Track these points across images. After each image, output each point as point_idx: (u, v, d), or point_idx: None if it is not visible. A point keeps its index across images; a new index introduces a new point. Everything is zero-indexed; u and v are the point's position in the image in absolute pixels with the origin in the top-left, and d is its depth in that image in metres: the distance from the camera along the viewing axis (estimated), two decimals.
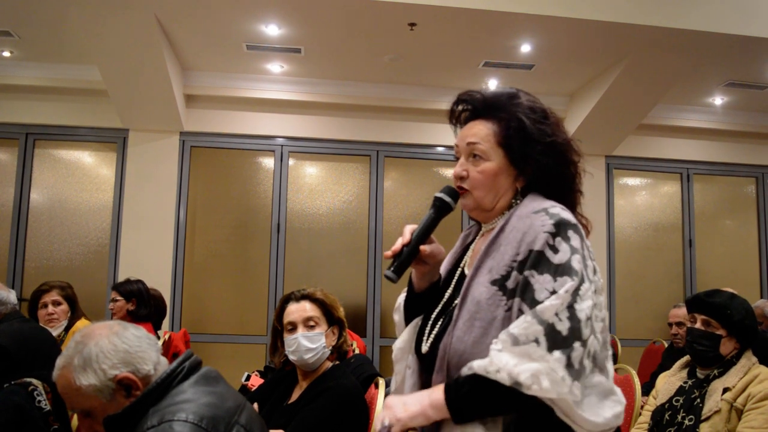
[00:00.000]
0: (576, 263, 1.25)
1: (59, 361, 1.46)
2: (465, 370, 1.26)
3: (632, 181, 6.77)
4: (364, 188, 6.24)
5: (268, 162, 6.16)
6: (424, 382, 1.41)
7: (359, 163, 6.28)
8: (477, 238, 1.53)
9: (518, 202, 1.42)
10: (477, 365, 1.23)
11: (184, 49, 5.33)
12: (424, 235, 1.42)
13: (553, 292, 1.23)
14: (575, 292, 1.23)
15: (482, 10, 4.45)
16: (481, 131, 1.44)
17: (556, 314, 1.20)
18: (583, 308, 1.22)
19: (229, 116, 6.05)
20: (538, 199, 1.39)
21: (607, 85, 5.48)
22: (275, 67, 5.71)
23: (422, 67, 5.59)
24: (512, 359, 1.19)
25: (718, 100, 6.35)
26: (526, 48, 5.10)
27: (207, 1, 4.47)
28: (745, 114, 6.61)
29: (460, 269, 1.50)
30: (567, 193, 1.43)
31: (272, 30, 4.89)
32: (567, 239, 1.28)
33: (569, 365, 1.19)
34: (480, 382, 1.22)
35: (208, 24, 4.84)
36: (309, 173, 6.29)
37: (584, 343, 1.21)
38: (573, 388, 1.19)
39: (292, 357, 2.31)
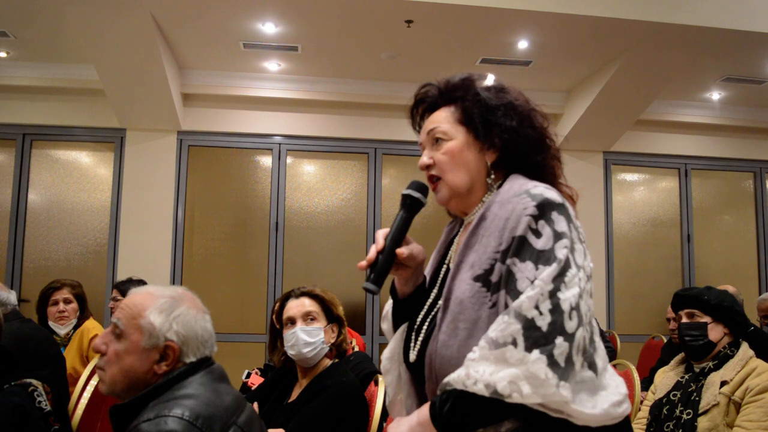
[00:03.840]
0: (560, 249, 1.14)
1: (152, 287, 1.52)
2: (443, 385, 1.17)
3: (630, 176, 6.77)
4: (362, 186, 6.24)
5: (266, 160, 6.16)
6: (418, 392, 1.34)
7: (357, 160, 6.28)
8: (461, 230, 1.42)
9: (492, 177, 1.34)
10: (453, 379, 1.14)
11: (181, 48, 5.32)
12: (398, 237, 1.33)
13: (534, 281, 1.12)
14: (558, 279, 1.11)
15: (479, 6, 4.45)
16: (438, 116, 1.38)
17: (536, 307, 1.10)
18: (567, 297, 1.11)
19: (227, 115, 6.05)
20: (520, 180, 1.29)
21: (604, 81, 5.48)
22: (272, 65, 5.70)
23: (419, 65, 5.58)
24: (489, 367, 1.09)
25: (715, 95, 6.35)
26: (523, 44, 5.10)
27: None
28: (742, 109, 6.62)
29: (445, 266, 1.40)
30: (543, 160, 1.35)
31: (269, 28, 4.89)
32: (551, 222, 1.17)
33: (553, 363, 1.07)
34: (461, 396, 1.13)
35: (204, 22, 4.83)
36: (307, 171, 6.29)
37: (570, 337, 1.09)
38: (561, 389, 1.07)
39: (290, 352, 2.32)
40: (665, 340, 4.73)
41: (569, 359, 1.09)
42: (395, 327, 1.44)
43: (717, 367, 2.46)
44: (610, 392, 1.18)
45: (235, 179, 6.13)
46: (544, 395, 1.07)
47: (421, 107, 1.46)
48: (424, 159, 1.37)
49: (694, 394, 2.43)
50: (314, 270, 6.04)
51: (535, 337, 1.08)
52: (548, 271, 1.12)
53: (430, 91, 1.43)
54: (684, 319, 2.59)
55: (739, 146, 6.84)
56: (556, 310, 1.09)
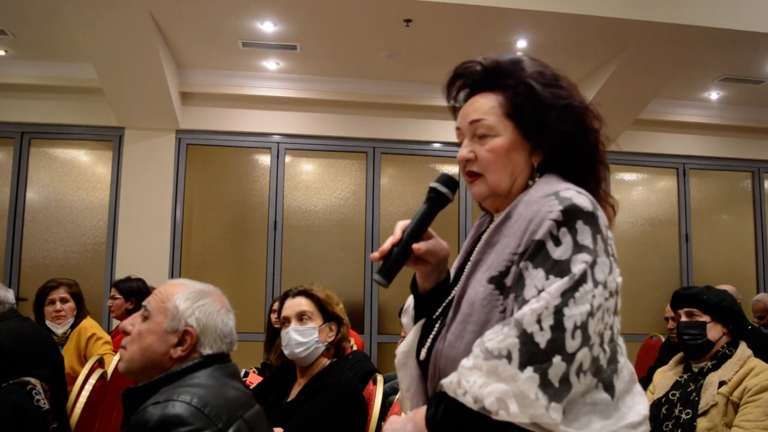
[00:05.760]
0: (577, 263, 1.06)
1: (186, 280, 1.63)
2: (439, 386, 1.13)
3: (629, 176, 6.78)
4: (360, 185, 6.24)
5: (265, 159, 6.16)
6: (425, 390, 1.28)
7: (356, 159, 6.28)
8: (491, 227, 1.30)
9: (538, 180, 1.23)
10: (446, 384, 1.10)
11: (180, 47, 5.32)
12: (416, 232, 1.24)
13: (541, 291, 1.05)
14: (567, 293, 1.04)
15: (477, 5, 4.45)
16: (483, 105, 1.24)
17: (539, 321, 1.03)
18: (573, 314, 1.03)
19: (225, 114, 6.05)
20: (552, 181, 1.19)
21: (603, 81, 5.48)
22: (271, 64, 5.70)
23: (418, 64, 5.59)
24: (480, 378, 1.04)
25: (713, 95, 6.36)
26: (521, 44, 5.10)
27: None
28: (740, 109, 6.63)
29: (469, 263, 1.28)
30: (590, 166, 1.24)
31: (267, 27, 4.88)
32: (573, 232, 1.08)
33: (545, 384, 1.01)
34: (453, 403, 1.08)
35: (203, 21, 4.83)
36: (305, 170, 6.29)
37: (569, 357, 1.02)
38: (550, 410, 1.01)
39: (285, 352, 2.33)
40: (663, 340, 4.74)
41: (565, 380, 1.03)
42: (416, 322, 1.36)
43: (715, 367, 2.46)
44: (627, 413, 1.12)
45: (234, 178, 6.13)
46: (533, 416, 1.02)
47: (460, 82, 1.32)
48: (465, 152, 1.25)
49: (693, 394, 2.43)
50: (312, 269, 6.04)
51: (532, 354, 1.02)
52: (558, 285, 1.04)
53: (473, 67, 1.29)
54: (683, 318, 2.58)
55: (738, 146, 6.85)
56: (558, 327, 1.03)
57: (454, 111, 1.35)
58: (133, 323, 1.56)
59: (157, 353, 1.50)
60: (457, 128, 1.29)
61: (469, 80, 1.31)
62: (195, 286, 1.60)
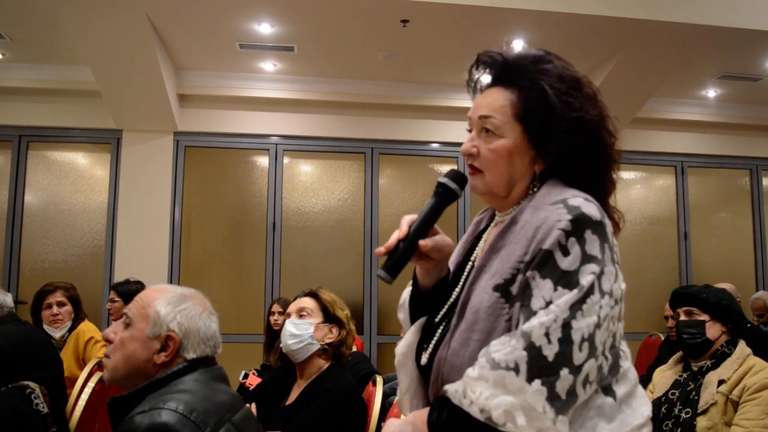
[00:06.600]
0: (585, 274, 1.06)
1: (167, 285, 1.62)
2: (442, 391, 1.13)
3: (627, 174, 6.78)
4: (359, 186, 6.24)
5: (263, 161, 6.16)
6: (426, 394, 1.27)
7: (354, 160, 6.28)
8: (491, 226, 1.32)
9: (536, 189, 1.21)
10: (451, 392, 1.09)
11: (177, 49, 5.31)
12: (423, 227, 1.21)
13: (549, 303, 1.05)
14: (576, 306, 1.04)
15: (474, 5, 4.45)
16: (495, 102, 1.22)
17: (547, 334, 1.02)
18: (581, 326, 1.04)
19: (223, 115, 6.04)
20: (558, 188, 1.18)
21: (600, 80, 5.48)
22: (268, 65, 5.70)
23: (416, 64, 5.59)
24: (486, 389, 1.04)
25: (711, 93, 6.36)
26: (519, 43, 5.10)
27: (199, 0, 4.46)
28: (738, 106, 6.63)
29: (470, 264, 1.28)
30: (595, 181, 1.21)
31: (265, 28, 4.88)
32: (582, 242, 1.07)
33: (552, 397, 1.02)
34: (457, 410, 1.08)
35: (200, 23, 4.82)
36: (304, 171, 6.29)
37: (576, 370, 1.03)
38: (558, 424, 1.02)
39: (281, 345, 2.36)
40: (663, 338, 4.75)
41: (572, 392, 1.03)
42: (412, 319, 1.34)
43: (715, 366, 2.46)
44: (631, 416, 1.13)
45: (232, 180, 6.12)
46: (540, 429, 1.02)
47: (482, 68, 1.30)
48: (468, 146, 1.24)
49: (693, 393, 2.43)
50: (311, 270, 6.03)
51: (540, 367, 1.02)
52: (567, 297, 1.04)
53: (496, 57, 1.26)
54: (682, 317, 2.59)
55: (736, 143, 6.85)
56: (566, 339, 1.03)
57: (472, 96, 1.32)
58: (115, 331, 1.54)
59: (141, 360, 1.49)
60: (468, 117, 1.27)
61: (490, 70, 1.29)
62: (175, 291, 1.59)
